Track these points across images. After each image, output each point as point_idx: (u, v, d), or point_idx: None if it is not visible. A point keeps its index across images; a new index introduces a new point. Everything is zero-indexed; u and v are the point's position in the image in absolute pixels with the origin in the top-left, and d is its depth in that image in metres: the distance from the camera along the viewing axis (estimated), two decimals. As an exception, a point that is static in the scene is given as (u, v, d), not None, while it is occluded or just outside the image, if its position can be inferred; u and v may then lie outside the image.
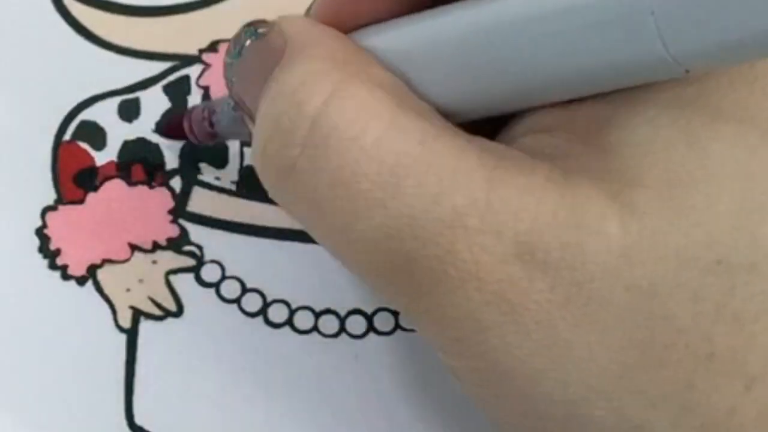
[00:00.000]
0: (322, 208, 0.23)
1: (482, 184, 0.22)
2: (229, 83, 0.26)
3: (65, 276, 0.32)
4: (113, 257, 0.32)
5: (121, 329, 0.31)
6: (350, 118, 0.22)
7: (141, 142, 0.33)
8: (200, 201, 0.33)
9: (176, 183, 0.33)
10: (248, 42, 0.26)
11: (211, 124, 0.30)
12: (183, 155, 0.33)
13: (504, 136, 0.24)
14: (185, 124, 0.31)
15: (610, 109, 0.22)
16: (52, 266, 0.32)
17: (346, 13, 0.25)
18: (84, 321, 0.31)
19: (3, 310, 0.31)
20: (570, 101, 0.23)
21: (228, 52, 0.26)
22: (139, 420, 0.30)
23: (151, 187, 0.33)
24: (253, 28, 0.26)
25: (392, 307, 0.24)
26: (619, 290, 0.21)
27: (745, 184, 0.21)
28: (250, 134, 0.28)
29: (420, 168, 0.22)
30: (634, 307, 0.21)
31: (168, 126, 0.33)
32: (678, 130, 0.21)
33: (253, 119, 0.25)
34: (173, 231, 0.33)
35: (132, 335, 0.31)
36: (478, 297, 0.22)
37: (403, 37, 0.24)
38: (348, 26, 0.25)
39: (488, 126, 0.24)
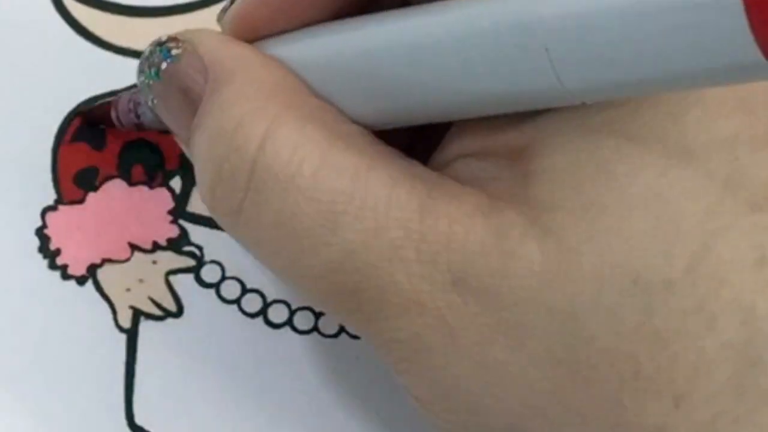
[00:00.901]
0: (270, 247, 0.24)
1: (414, 215, 0.23)
2: (150, 104, 0.27)
3: (65, 276, 0.32)
4: (113, 257, 0.32)
5: (121, 329, 0.31)
6: (285, 159, 0.23)
7: (141, 142, 0.33)
8: (200, 201, 0.33)
9: (176, 183, 0.33)
10: (164, 65, 0.26)
11: (137, 116, 0.31)
12: (183, 156, 0.33)
13: (436, 158, 0.25)
14: (112, 114, 0.32)
15: (529, 136, 0.23)
16: (52, 266, 0.32)
17: (251, 29, 0.26)
18: (84, 321, 0.31)
19: (3, 309, 0.31)
20: (494, 125, 0.24)
21: (142, 71, 0.27)
22: (139, 420, 0.30)
23: (151, 187, 0.33)
24: (165, 48, 0.26)
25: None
26: (542, 313, 0.22)
27: (655, 204, 0.22)
28: None
29: (356, 203, 0.23)
30: (557, 329, 0.22)
31: (92, 113, 0.33)
32: (588, 155, 0.22)
33: (178, 135, 0.26)
34: (173, 231, 0.33)
35: (132, 335, 0.31)
36: (421, 321, 0.23)
37: (313, 48, 0.25)
38: (261, 35, 0.26)
39: (423, 146, 0.26)
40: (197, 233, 0.33)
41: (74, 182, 0.33)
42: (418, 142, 0.27)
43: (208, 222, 0.33)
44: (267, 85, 0.24)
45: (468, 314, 0.22)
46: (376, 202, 0.23)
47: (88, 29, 0.35)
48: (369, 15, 0.24)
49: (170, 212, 0.33)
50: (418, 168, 0.24)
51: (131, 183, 0.33)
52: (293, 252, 0.24)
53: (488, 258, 0.22)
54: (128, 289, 0.32)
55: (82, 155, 0.33)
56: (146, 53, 0.27)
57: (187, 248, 0.32)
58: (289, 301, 0.32)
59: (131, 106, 0.31)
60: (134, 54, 0.34)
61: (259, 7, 0.26)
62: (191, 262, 0.32)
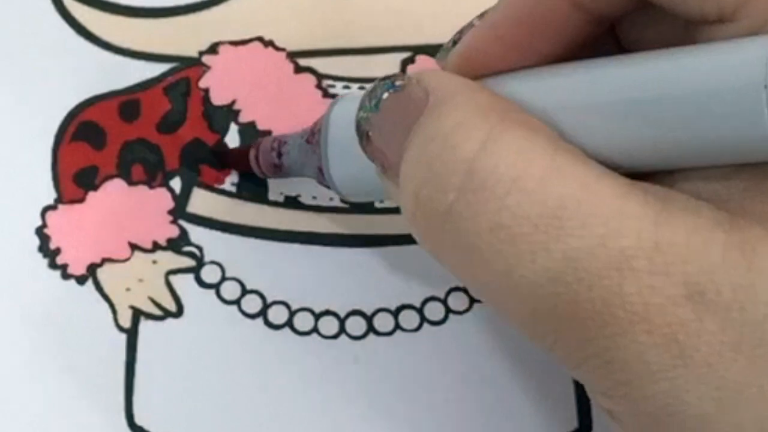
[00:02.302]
0: (481, 253, 0.22)
1: (648, 225, 0.21)
2: (363, 138, 0.26)
3: (65, 275, 0.32)
4: (113, 256, 0.32)
5: (121, 329, 0.31)
6: (510, 161, 0.22)
7: (141, 142, 0.33)
8: (200, 202, 0.33)
9: (176, 183, 0.33)
10: (386, 95, 0.25)
11: (279, 155, 0.30)
12: (183, 156, 0.33)
13: (661, 181, 0.24)
14: (252, 153, 0.32)
15: None
16: (52, 265, 0.32)
17: (479, 64, 0.25)
18: (84, 320, 0.31)
19: (3, 309, 0.31)
20: None
21: (362, 107, 0.26)
22: (139, 420, 0.30)
23: (151, 187, 0.33)
24: (389, 81, 0.25)
25: (553, 359, 0.23)
26: None
27: None
28: (316, 172, 0.28)
29: (584, 210, 0.21)
30: None
31: (230, 153, 0.33)
32: None
33: (387, 171, 0.25)
34: (173, 231, 0.33)
35: (132, 335, 0.31)
36: (647, 339, 0.21)
37: (545, 88, 0.24)
38: (480, 76, 0.25)
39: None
40: (197, 234, 0.33)
41: (74, 182, 0.33)
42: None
43: (208, 223, 0.33)
44: (486, 102, 0.24)
45: (703, 332, 0.21)
46: (607, 210, 0.21)
47: (88, 29, 0.35)
48: (594, 59, 0.23)
49: (170, 212, 0.33)
50: (647, 185, 0.22)
51: (131, 183, 0.33)
52: (507, 258, 0.22)
53: (731, 272, 0.21)
54: (128, 289, 0.32)
55: (82, 155, 0.33)
56: (368, 89, 0.26)
57: (187, 248, 0.32)
58: (289, 302, 0.32)
59: (275, 145, 0.31)
60: (135, 55, 0.35)
61: (491, 44, 0.25)
62: (191, 263, 0.32)
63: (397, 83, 0.25)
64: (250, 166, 0.32)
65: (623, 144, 0.23)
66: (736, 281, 0.21)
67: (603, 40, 0.25)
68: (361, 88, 0.34)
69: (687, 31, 0.23)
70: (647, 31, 0.25)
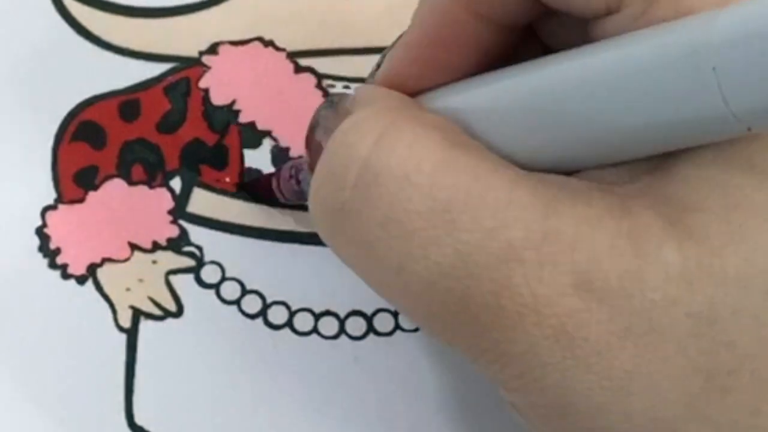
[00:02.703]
0: (374, 249, 0.23)
1: (537, 216, 0.21)
2: (312, 153, 0.26)
3: (65, 275, 0.32)
4: (113, 256, 0.32)
5: (121, 329, 0.31)
6: (402, 156, 0.22)
7: (141, 142, 0.33)
8: (200, 202, 0.33)
9: (176, 183, 0.33)
10: (323, 112, 0.26)
11: (298, 182, 0.30)
12: (183, 156, 0.33)
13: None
14: (273, 183, 0.32)
15: None
16: (52, 265, 0.32)
17: (401, 87, 0.25)
18: (84, 320, 0.31)
19: (3, 309, 0.31)
20: None
21: (310, 128, 0.26)
22: (139, 420, 0.30)
23: (151, 187, 0.33)
24: (330, 98, 0.26)
25: (453, 350, 0.24)
26: (679, 317, 0.21)
27: None
28: None
29: (474, 203, 0.21)
30: (696, 333, 0.21)
31: (256, 184, 0.33)
32: (737, 156, 0.21)
33: None
34: (173, 231, 0.33)
35: (132, 335, 0.31)
36: (537, 332, 0.21)
37: (469, 98, 0.24)
38: (414, 91, 0.25)
39: None
40: (197, 233, 0.33)
41: (74, 181, 0.33)
42: None
43: (207, 222, 0.33)
44: (394, 103, 0.24)
45: (591, 321, 0.21)
46: (496, 201, 0.21)
47: (89, 30, 0.35)
48: (515, 65, 0.24)
49: (170, 212, 0.33)
50: (543, 174, 0.23)
51: (131, 182, 0.33)
52: (399, 254, 0.22)
53: (619, 259, 0.21)
54: (128, 289, 0.32)
55: (82, 154, 0.33)
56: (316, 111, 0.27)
57: (187, 248, 0.32)
58: (289, 302, 0.32)
59: (292, 172, 0.31)
60: (134, 55, 0.34)
61: (408, 66, 0.25)
62: (191, 263, 0.32)
63: (335, 99, 0.26)
64: (274, 193, 0.32)
65: (529, 145, 0.23)
66: (623, 268, 0.21)
67: (531, 46, 0.25)
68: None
69: (588, 30, 0.23)
70: (561, 34, 0.25)
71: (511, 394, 0.23)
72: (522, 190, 0.22)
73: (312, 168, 0.25)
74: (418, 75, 0.25)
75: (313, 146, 0.26)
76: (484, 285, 0.21)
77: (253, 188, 0.33)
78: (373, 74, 0.26)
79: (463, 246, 0.21)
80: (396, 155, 0.22)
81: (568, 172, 0.23)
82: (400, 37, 0.26)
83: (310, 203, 0.24)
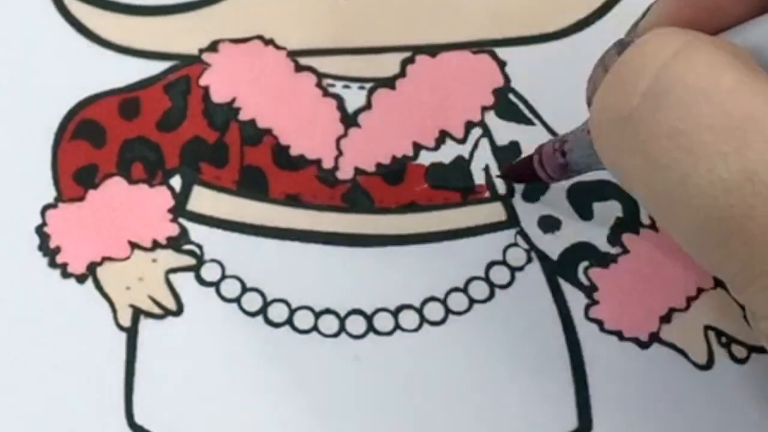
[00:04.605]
0: (658, 159, 0.23)
1: None
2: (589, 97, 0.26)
3: (65, 274, 0.32)
4: (113, 255, 0.32)
5: (121, 328, 0.31)
6: (700, 71, 0.22)
7: (141, 140, 0.33)
8: (200, 200, 0.33)
9: (176, 182, 0.33)
10: (611, 51, 0.26)
11: (563, 154, 0.30)
12: (183, 154, 0.33)
13: None
14: (535, 159, 0.31)
15: None
16: (52, 264, 0.32)
17: (683, 24, 0.25)
18: (84, 319, 0.31)
19: (2, 308, 0.31)
20: None
21: (595, 74, 0.26)
22: (139, 419, 0.30)
23: (151, 185, 0.33)
24: (620, 40, 0.26)
25: (717, 275, 0.24)
26: None
27: None
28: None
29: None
30: None
31: (515, 167, 0.33)
32: None
33: None
34: (173, 230, 0.33)
35: (132, 334, 0.31)
36: None
37: (746, 32, 0.25)
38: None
39: None
40: (197, 232, 0.33)
41: (74, 180, 0.33)
42: None
43: (208, 221, 0.33)
44: (686, 27, 0.24)
45: None
46: None
47: (89, 28, 0.35)
48: None
49: (170, 210, 0.33)
50: None
51: (131, 181, 0.33)
52: (684, 165, 0.22)
53: None
54: (128, 288, 0.32)
55: (82, 153, 0.33)
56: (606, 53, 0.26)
57: (187, 247, 0.32)
58: (289, 300, 0.32)
59: (557, 146, 0.30)
60: (135, 53, 0.34)
61: (679, 10, 0.25)
62: (191, 261, 0.32)
63: (625, 41, 0.25)
64: (536, 174, 0.32)
65: None
66: None
67: None
68: (361, 88, 0.34)
69: None
70: None
71: None
72: None
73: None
74: (691, 20, 0.25)
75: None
76: None
77: (516, 172, 0.33)
78: (635, 25, 0.27)
79: (752, 165, 0.21)
80: (694, 69, 0.22)
81: None
82: None
83: (592, 111, 0.24)
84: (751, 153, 0.22)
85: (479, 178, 0.33)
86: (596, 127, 0.24)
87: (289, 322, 0.32)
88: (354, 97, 0.34)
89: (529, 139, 0.33)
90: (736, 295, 0.23)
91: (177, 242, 0.32)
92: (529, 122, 0.34)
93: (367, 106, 0.34)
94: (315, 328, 0.32)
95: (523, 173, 0.33)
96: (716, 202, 0.22)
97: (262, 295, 0.32)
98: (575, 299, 0.32)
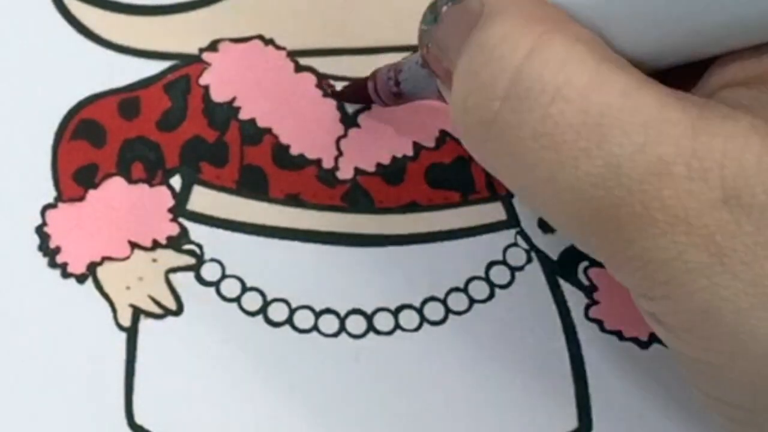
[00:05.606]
0: (525, 160, 0.23)
1: (687, 132, 0.22)
2: (424, 49, 0.27)
3: (65, 274, 0.32)
4: (113, 255, 0.32)
5: (121, 327, 0.31)
6: (554, 70, 0.23)
7: (141, 140, 0.33)
8: (200, 199, 0.33)
9: (176, 181, 0.33)
10: (445, 8, 0.26)
11: (397, 83, 0.31)
12: (183, 153, 0.33)
13: (698, 91, 0.25)
14: (370, 85, 0.32)
15: None
16: (52, 264, 0.32)
17: None
18: (84, 319, 0.31)
19: (2, 308, 0.31)
20: (764, 52, 0.24)
21: (423, 20, 0.27)
22: (139, 419, 0.30)
23: (151, 185, 0.33)
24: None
25: (595, 258, 0.25)
26: None
27: None
28: (436, 93, 0.28)
29: (625, 118, 0.22)
30: None
31: (350, 87, 0.33)
32: None
33: (445, 80, 0.26)
34: (173, 229, 0.33)
35: (132, 334, 0.31)
36: (686, 240, 0.22)
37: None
38: None
39: (679, 82, 0.25)
40: (197, 231, 0.33)
41: (74, 180, 0.33)
42: (674, 78, 0.26)
43: (208, 220, 0.33)
44: (537, 13, 0.24)
45: (739, 233, 0.22)
46: (647, 118, 0.22)
47: (89, 28, 0.35)
48: None
49: (170, 210, 0.33)
50: (686, 94, 0.24)
51: (131, 181, 0.33)
52: (551, 164, 0.23)
53: (766, 174, 0.22)
54: (128, 288, 0.32)
55: (81, 152, 0.33)
56: (431, 4, 0.27)
57: (187, 246, 0.32)
58: (289, 300, 0.32)
59: (391, 74, 0.31)
60: (135, 53, 0.34)
61: None
62: (191, 261, 0.32)
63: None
64: (369, 98, 0.32)
65: (660, 31, 0.24)
66: None
67: None
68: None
69: None
70: None
71: (653, 303, 0.24)
72: (671, 108, 0.23)
73: (436, 73, 0.26)
74: None
75: (430, 41, 0.26)
76: (634, 195, 0.22)
77: (348, 95, 0.33)
78: None
79: (615, 159, 0.22)
80: (549, 69, 0.23)
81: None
82: None
83: (455, 111, 0.25)
84: (611, 147, 0.22)
85: (479, 178, 0.33)
86: (463, 129, 0.25)
87: (289, 321, 0.32)
88: (354, 97, 0.34)
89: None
90: (614, 276, 0.24)
91: (177, 242, 0.32)
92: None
93: (367, 106, 0.34)
94: (315, 327, 0.32)
95: (358, 96, 0.33)
96: (585, 194, 0.23)
97: (262, 294, 0.32)
98: (575, 299, 0.32)
